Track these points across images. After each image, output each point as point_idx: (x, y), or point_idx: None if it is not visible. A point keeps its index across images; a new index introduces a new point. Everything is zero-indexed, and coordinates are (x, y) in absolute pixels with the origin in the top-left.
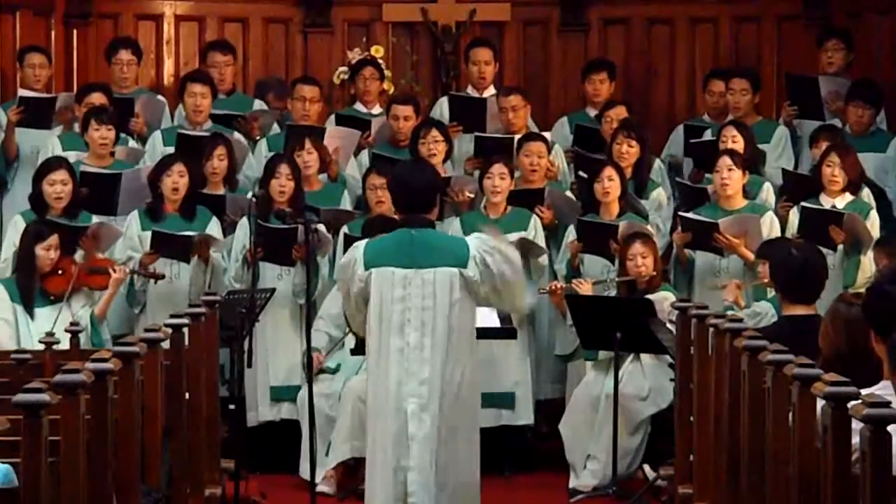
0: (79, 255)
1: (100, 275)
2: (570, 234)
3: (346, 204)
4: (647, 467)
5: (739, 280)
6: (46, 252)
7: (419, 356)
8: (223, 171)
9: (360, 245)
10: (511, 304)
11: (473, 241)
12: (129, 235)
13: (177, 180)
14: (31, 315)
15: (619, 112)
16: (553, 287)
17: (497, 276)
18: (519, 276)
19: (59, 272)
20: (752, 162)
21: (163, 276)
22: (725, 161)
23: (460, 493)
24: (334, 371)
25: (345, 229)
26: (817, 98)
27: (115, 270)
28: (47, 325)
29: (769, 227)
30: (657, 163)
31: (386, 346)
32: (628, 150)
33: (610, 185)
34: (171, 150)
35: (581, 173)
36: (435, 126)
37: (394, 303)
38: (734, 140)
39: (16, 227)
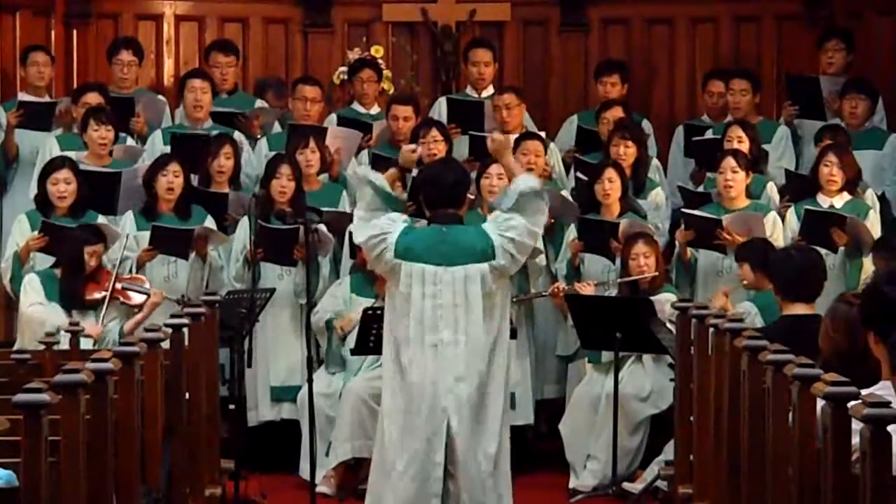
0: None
1: (134, 292)
2: (571, 232)
3: (346, 204)
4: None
5: (732, 286)
6: (89, 258)
7: (454, 352)
8: (230, 170)
9: (396, 228)
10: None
11: (491, 228)
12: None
13: (171, 180)
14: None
15: (616, 113)
16: (554, 289)
17: (528, 240)
18: (542, 215)
19: (95, 279)
20: (756, 161)
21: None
22: (730, 162)
23: (497, 485)
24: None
25: (351, 228)
26: (818, 98)
27: (150, 294)
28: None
29: (772, 226)
30: (654, 162)
31: (419, 343)
32: (626, 151)
33: (610, 186)
34: (170, 149)
35: (580, 175)
36: (435, 126)
37: (425, 299)
38: (740, 140)
39: (19, 226)
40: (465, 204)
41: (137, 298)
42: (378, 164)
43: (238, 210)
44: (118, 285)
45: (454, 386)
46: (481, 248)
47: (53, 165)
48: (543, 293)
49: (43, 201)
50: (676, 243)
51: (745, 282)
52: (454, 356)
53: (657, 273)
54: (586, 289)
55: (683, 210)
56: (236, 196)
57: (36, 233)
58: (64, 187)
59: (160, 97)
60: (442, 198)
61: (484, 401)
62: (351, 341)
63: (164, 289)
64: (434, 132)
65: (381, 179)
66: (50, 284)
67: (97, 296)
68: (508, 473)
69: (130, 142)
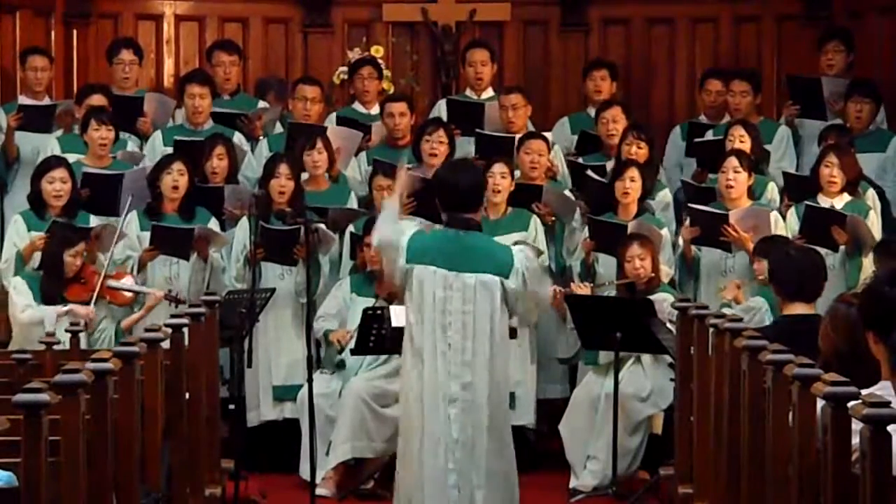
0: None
1: (120, 292)
2: (587, 232)
3: (353, 204)
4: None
5: (743, 279)
6: (73, 259)
7: (461, 359)
8: (223, 171)
9: (407, 232)
10: (529, 318)
11: (519, 253)
12: (129, 235)
13: (177, 178)
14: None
15: (616, 113)
16: (552, 291)
17: (530, 292)
18: (546, 298)
19: (81, 281)
20: (757, 162)
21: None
22: (732, 162)
23: (502, 493)
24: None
25: (351, 228)
26: (819, 98)
27: (150, 294)
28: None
29: (774, 225)
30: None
31: (431, 346)
32: (637, 151)
33: (631, 185)
34: (170, 150)
35: (590, 173)
36: (443, 126)
37: (435, 303)
38: (742, 140)
39: (15, 226)
40: (481, 206)
41: (127, 295)
42: (379, 165)
43: (235, 203)
44: (108, 283)
45: (461, 392)
46: (500, 260)
47: (49, 165)
48: None
49: (36, 201)
50: (680, 241)
51: (761, 277)
52: (461, 363)
53: (653, 274)
54: (581, 290)
55: (689, 205)
56: (233, 189)
57: (40, 233)
58: (60, 186)
59: (169, 98)
60: (458, 201)
61: (488, 408)
62: (351, 342)
63: (165, 289)
64: (440, 132)
65: (393, 212)
66: (36, 287)
67: (85, 297)
68: (516, 485)
69: (132, 144)
